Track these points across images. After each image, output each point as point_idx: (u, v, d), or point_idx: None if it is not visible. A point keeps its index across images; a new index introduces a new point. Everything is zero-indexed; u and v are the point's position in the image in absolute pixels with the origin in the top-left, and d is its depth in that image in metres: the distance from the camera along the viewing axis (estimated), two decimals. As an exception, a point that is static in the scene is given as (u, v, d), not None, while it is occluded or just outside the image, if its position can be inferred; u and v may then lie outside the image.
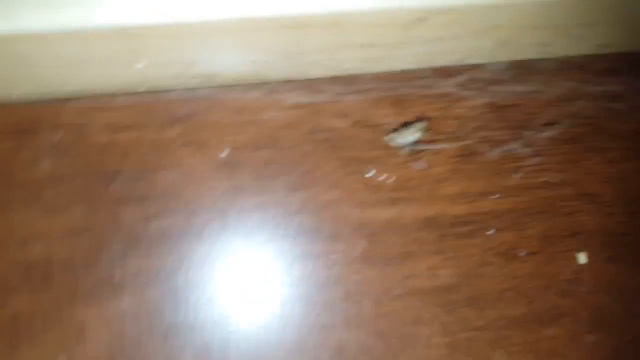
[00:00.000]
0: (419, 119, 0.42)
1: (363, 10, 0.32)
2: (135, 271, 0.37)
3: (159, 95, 0.39)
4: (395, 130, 0.41)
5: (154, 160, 0.38)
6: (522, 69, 0.44)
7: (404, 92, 0.42)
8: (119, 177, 0.38)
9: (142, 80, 0.37)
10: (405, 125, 0.41)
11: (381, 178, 0.41)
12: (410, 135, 0.41)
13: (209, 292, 0.38)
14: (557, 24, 0.38)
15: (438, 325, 0.40)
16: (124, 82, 0.37)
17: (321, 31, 0.33)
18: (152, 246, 0.37)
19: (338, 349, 0.39)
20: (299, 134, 0.40)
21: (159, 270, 0.37)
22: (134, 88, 0.38)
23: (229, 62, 0.37)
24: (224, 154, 0.39)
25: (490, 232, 0.42)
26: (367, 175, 0.41)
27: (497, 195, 0.42)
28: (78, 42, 0.30)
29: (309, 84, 0.41)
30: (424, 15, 0.33)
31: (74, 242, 0.37)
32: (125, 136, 0.38)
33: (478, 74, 0.43)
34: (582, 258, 0.43)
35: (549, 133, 0.43)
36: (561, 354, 0.41)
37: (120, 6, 0.29)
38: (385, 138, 0.41)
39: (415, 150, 0.41)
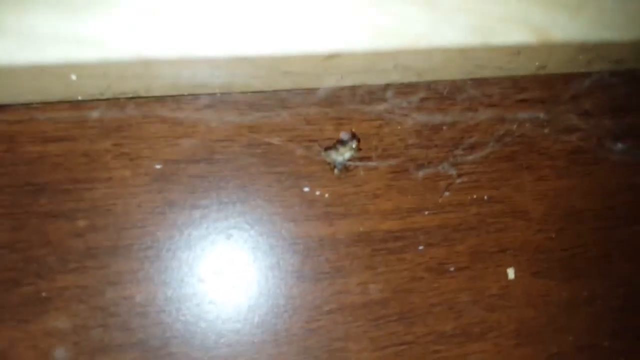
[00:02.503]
0: (352, 137, 0.42)
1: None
2: (63, 288, 0.37)
3: (93, 106, 0.38)
4: (329, 147, 0.42)
5: (85, 172, 0.38)
6: (455, 89, 0.44)
7: (340, 109, 0.42)
8: (48, 190, 0.37)
9: (77, 90, 0.36)
10: (340, 142, 0.42)
11: (317, 193, 0.41)
12: (344, 154, 0.41)
13: (139, 310, 0.38)
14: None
15: (367, 341, 0.41)
16: (58, 91, 0.36)
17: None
18: (80, 262, 0.37)
19: (267, 364, 0.39)
20: (235, 148, 0.40)
21: (87, 287, 0.37)
22: (68, 97, 0.37)
23: (166, 74, 0.36)
24: (157, 167, 0.39)
25: (421, 247, 0.43)
26: (304, 190, 0.41)
27: (428, 212, 0.43)
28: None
29: (247, 99, 0.41)
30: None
31: (-1, 257, 0.36)
32: (56, 147, 0.37)
33: (412, 94, 0.43)
34: (510, 273, 0.44)
35: (479, 153, 0.44)
36: (487, 368, 0.43)
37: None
38: (321, 154, 0.41)
39: (349, 167, 0.42)
